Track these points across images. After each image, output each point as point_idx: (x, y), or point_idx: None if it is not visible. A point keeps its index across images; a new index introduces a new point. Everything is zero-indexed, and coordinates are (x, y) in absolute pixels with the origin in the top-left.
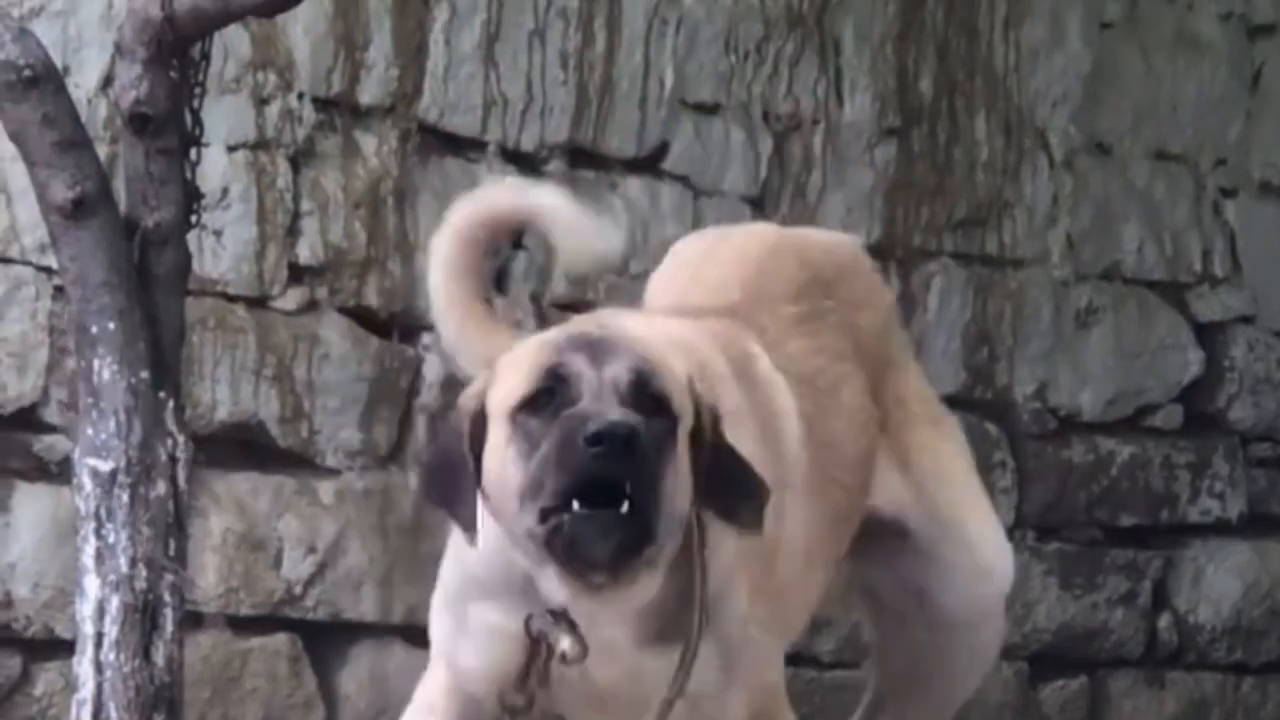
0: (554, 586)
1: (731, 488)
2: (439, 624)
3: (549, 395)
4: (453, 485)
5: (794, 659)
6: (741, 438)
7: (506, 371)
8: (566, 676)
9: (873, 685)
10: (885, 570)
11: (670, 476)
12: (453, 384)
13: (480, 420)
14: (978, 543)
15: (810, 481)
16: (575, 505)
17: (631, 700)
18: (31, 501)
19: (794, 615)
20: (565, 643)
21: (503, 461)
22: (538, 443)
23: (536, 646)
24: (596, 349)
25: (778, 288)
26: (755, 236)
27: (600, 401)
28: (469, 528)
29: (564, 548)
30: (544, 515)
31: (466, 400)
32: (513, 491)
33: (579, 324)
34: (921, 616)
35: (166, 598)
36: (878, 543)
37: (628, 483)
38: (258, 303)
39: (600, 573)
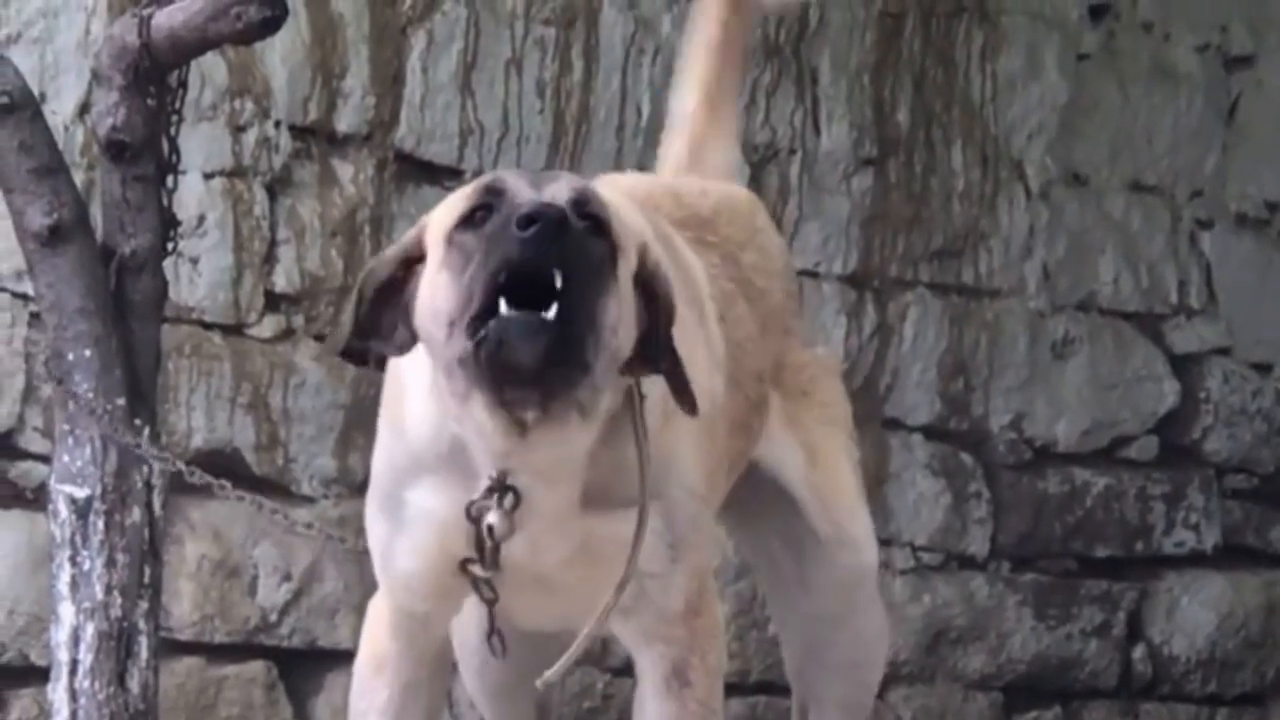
0: (483, 427)
1: (666, 361)
2: (374, 529)
3: (485, 211)
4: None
5: (767, 688)
6: (671, 280)
7: (442, 208)
8: (514, 560)
9: (795, 697)
10: (769, 534)
11: (608, 302)
12: None
13: (412, 263)
14: (843, 518)
15: (726, 371)
16: (503, 308)
17: (579, 582)
18: (6, 528)
19: (717, 497)
20: (493, 516)
21: (435, 285)
22: (470, 256)
23: (480, 534)
24: (537, 175)
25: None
26: (633, 181)
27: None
28: (400, 348)
29: (490, 358)
30: (473, 328)
31: (397, 246)
32: (444, 315)
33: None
34: (800, 585)
35: (141, 625)
36: (763, 506)
37: (558, 274)
38: (234, 330)
39: (529, 399)
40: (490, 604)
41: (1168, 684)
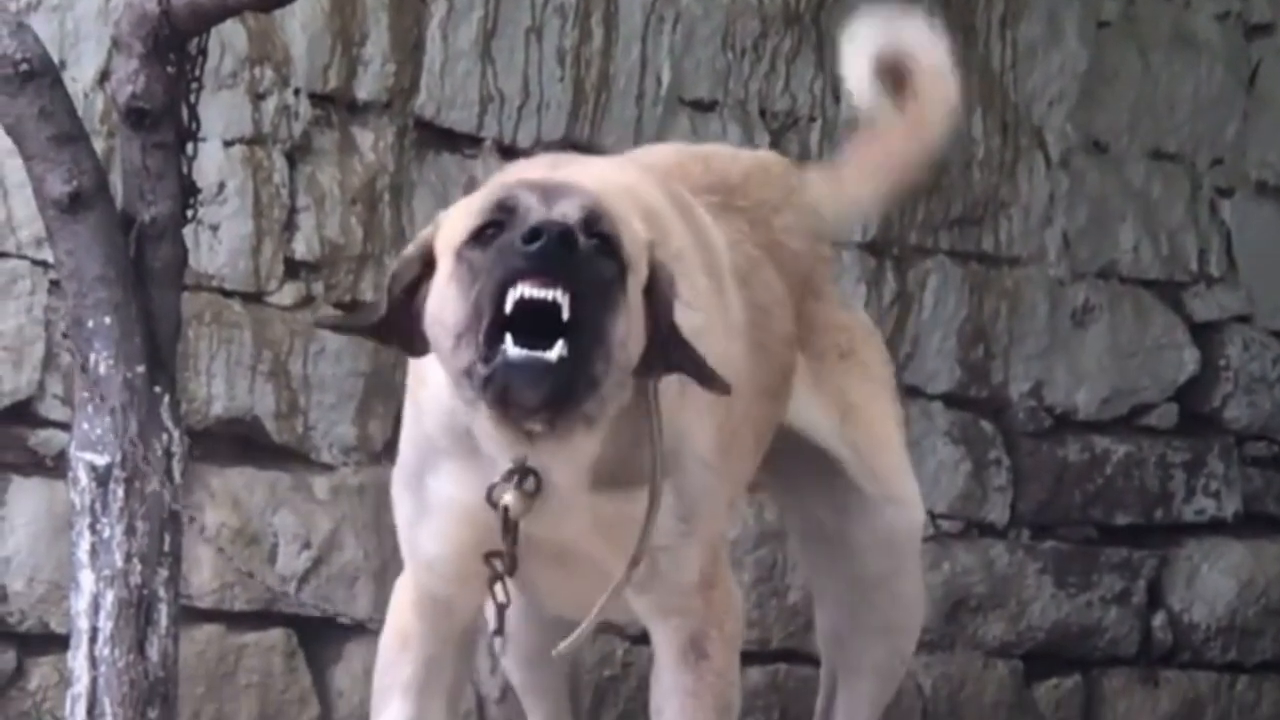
0: (489, 431)
1: (680, 356)
2: (400, 508)
3: (496, 229)
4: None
5: (789, 655)
6: (691, 273)
7: (453, 216)
8: (533, 542)
9: (825, 665)
10: (810, 496)
11: (618, 321)
12: None
13: (426, 265)
14: (889, 475)
15: (748, 338)
16: (509, 346)
17: (595, 560)
18: (27, 496)
19: (740, 472)
20: (509, 496)
21: (444, 298)
22: (479, 273)
23: (505, 520)
24: (548, 189)
25: (686, 185)
26: (664, 151)
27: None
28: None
29: (494, 394)
30: (485, 356)
31: (415, 244)
32: (451, 328)
33: (532, 164)
34: (842, 546)
35: (161, 593)
36: (803, 469)
37: (565, 306)
38: (254, 298)
39: (535, 420)
40: (502, 609)
41: (1188, 651)
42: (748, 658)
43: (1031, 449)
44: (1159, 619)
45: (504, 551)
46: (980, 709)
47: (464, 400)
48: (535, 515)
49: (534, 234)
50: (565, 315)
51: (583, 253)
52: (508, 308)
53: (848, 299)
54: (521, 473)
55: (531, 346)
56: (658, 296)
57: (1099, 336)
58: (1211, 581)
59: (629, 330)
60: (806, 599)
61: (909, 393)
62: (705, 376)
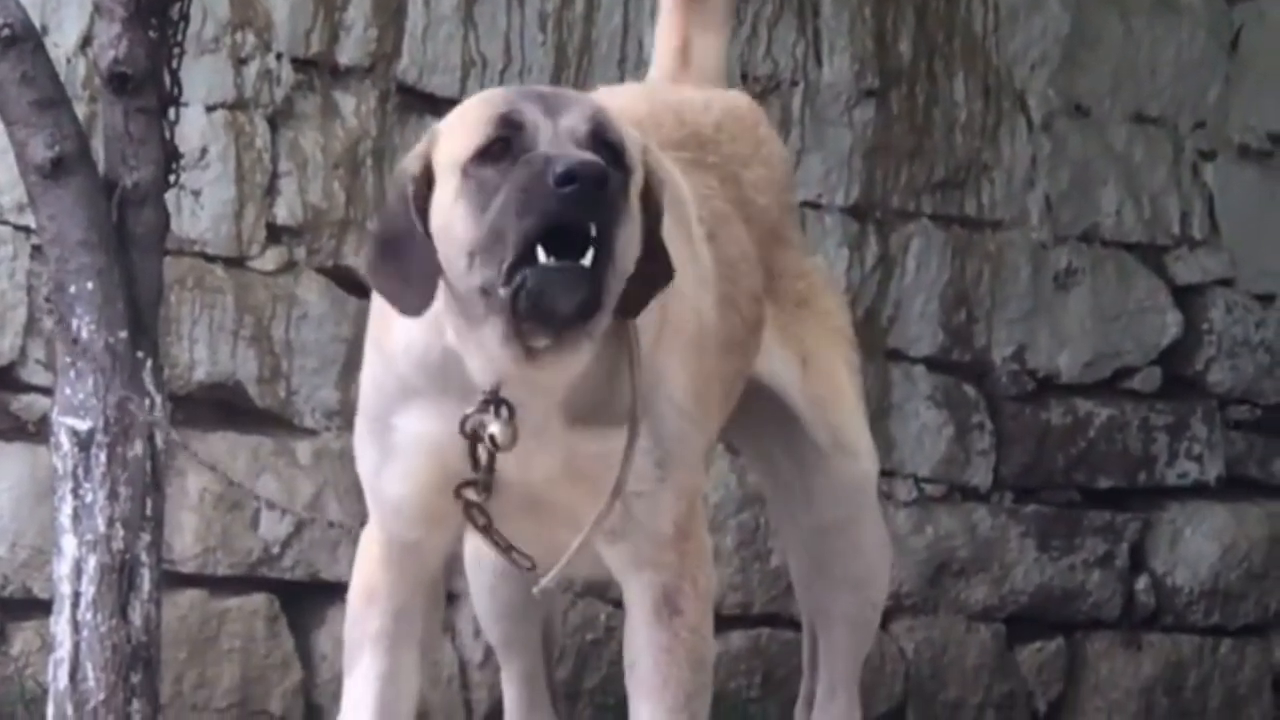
0: (491, 352)
1: (650, 261)
2: (363, 457)
3: (503, 145)
4: (403, 256)
5: (771, 619)
6: (666, 216)
7: (452, 129)
8: (504, 481)
9: (804, 619)
10: (771, 447)
11: (625, 233)
12: None
13: (424, 182)
14: (843, 426)
15: (716, 292)
16: (541, 256)
17: (568, 502)
18: (8, 461)
19: (712, 422)
20: (495, 427)
21: (451, 217)
22: (493, 193)
23: (474, 451)
24: (549, 101)
25: (658, 139)
26: (633, 96)
27: (560, 147)
28: (424, 297)
29: (527, 304)
30: (510, 272)
31: (408, 162)
32: (462, 247)
33: (516, 88)
34: (802, 497)
35: (144, 557)
36: (765, 419)
37: (594, 229)
38: (236, 263)
39: (546, 336)
40: (485, 530)
41: (1171, 615)
42: (730, 622)
43: (1014, 412)
44: (1142, 582)
45: (479, 480)
46: (963, 672)
47: (467, 319)
48: (509, 451)
49: (567, 178)
50: (594, 234)
51: (609, 185)
52: (538, 254)
53: (808, 246)
54: (496, 402)
55: (562, 257)
56: (650, 201)
57: (1081, 300)
58: (1194, 545)
59: (631, 238)
60: (788, 561)
61: (891, 356)
62: (643, 297)
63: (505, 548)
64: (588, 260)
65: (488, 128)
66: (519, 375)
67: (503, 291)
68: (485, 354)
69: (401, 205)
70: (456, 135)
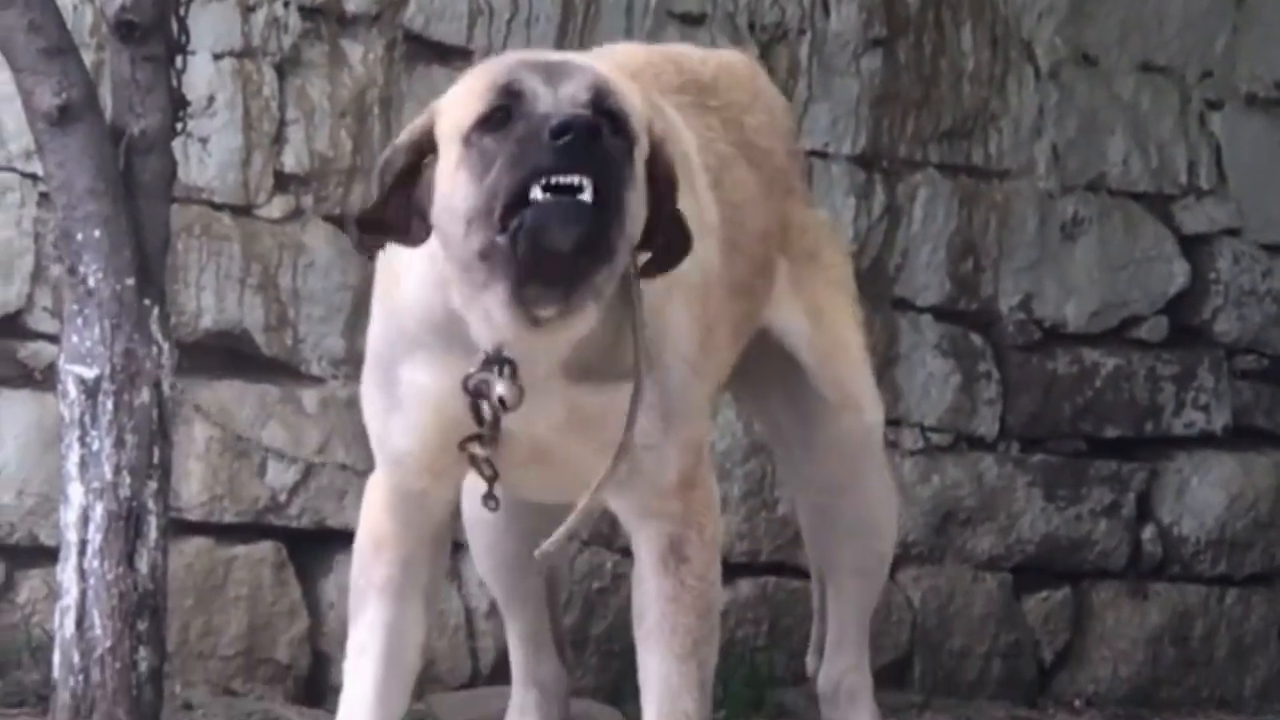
0: (494, 317)
1: (667, 231)
2: (370, 405)
3: (504, 114)
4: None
5: (778, 568)
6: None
7: (454, 101)
8: (509, 434)
9: (813, 569)
10: (780, 400)
11: (630, 195)
12: None
13: (422, 155)
14: (848, 381)
15: (721, 236)
16: (537, 194)
17: (573, 456)
18: (15, 408)
19: (717, 370)
20: (501, 387)
21: (453, 185)
22: (492, 160)
23: (477, 408)
24: (551, 69)
25: (658, 86)
26: (631, 50)
27: (559, 108)
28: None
29: (527, 243)
30: (504, 220)
31: (408, 132)
32: (462, 214)
33: (520, 54)
34: (807, 451)
35: (150, 505)
36: (769, 372)
37: (589, 187)
38: (243, 211)
39: (551, 296)
40: (491, 480)
41: (1177, 565)
42: (738, 570)
43: (1021, 362)
44: (1148, 532)
45: (483, 434)
46: (969, 622)
47: (472, 285)
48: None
49: (561, 130)
50: (588, 197)
51: (603, 140)
52: (533, 195)
53: (812, 198)
54: (499, 362)
55: (560, 192)
56: (658, 169)
57: (1088, 249)
58: (1201, 495)
59: (637, 205)
60: (796, 512)
61: (898, 305)
62: (667, 265)
63: (488, 494)
64: (586, 194)
65: (488, 96)
66: (520, 341)
67: (500, 240)
68: (489, 321)
69: (384, 172)
70: (458, 106)
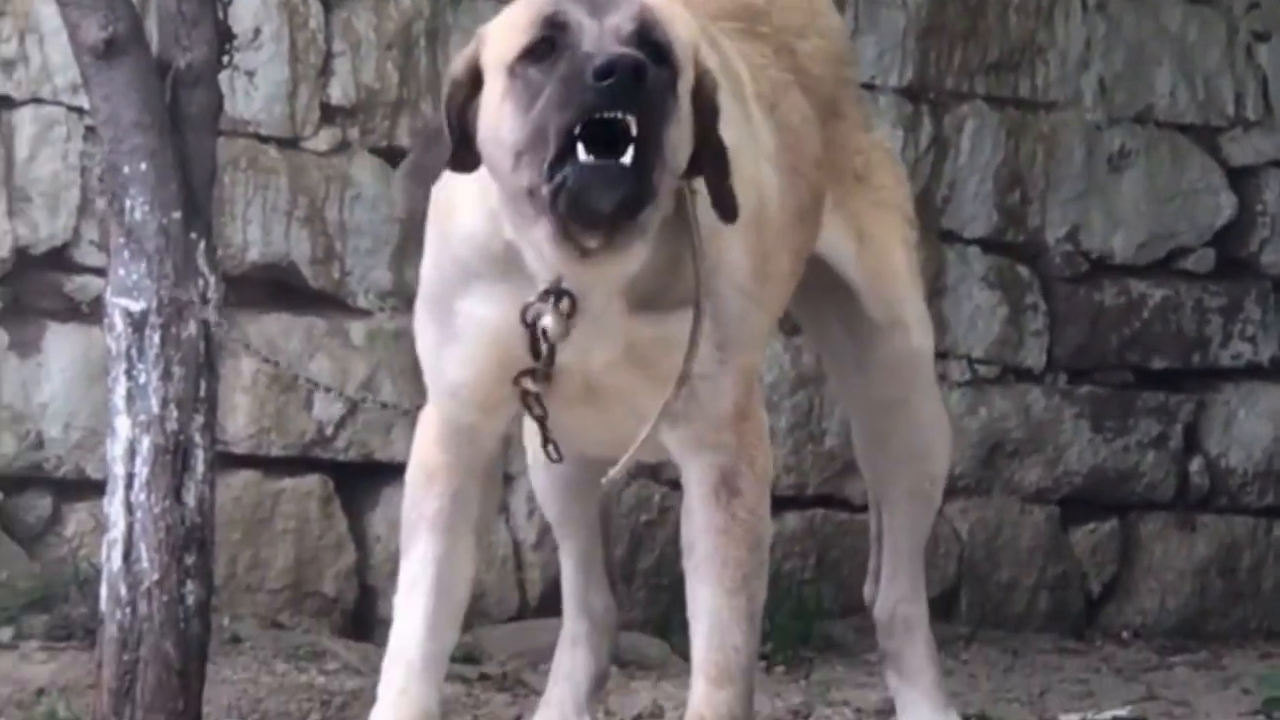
0: (544, 251)
1: (713, 161)
2: (423, 339)
3: (548, 45)
4: (439, 151)
5: (826, 501)
6: (721, 99)
7: (499, 30)
8: (564, 368)
9: (870, 496)
10: (833, 320)
11: (672, 129)
12: None
13: (472, 83)
14: (897, 302)
15: (780, 163)
16: (582, 154)
17: (626, 393)
18: (62, 342)
19: (776, 298)
20: (549, 318)
21: (499, 116)
22: (538, 92)
23: (534, 339)
24: (595, 0)
25: (709, 11)
26: None
27: (604, 45)
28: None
29: (567, 202)
30: (551, 170)
31: (455, 64)
32: (509, 146)
33: None
34: (859, 372)
35: (197, 438)
36: (823, 294)
37: (634, 124)
38: (289, 143)
39: (595, 235)
40: (540, 420)
41: (1224, 496)
42: (785, 503)
43: (1068, 293)
44: (1196, 464)
45: (537, 368)
46: (1017, 554)
47: (520, 218)
48: (568, 340)
49: (605, 71)
50: (634, 131)
51: (648, 78)
52: (578, 133)
53: (869, 120)
54: (557, 294)
55: (602, 155)
56: (703, 101)
57: (1135, 181)
58: (1248, 426)
59: (680, 136)
60: (843, 444)
61: (945, 237)
62: (723, 194)
63: (545, 440)
64: (628, 158)
65: (533, 28)
66: (572, 274)
67: (545, 190)
68: (537, 253)
69: (449, 108)
70: (503, 36)
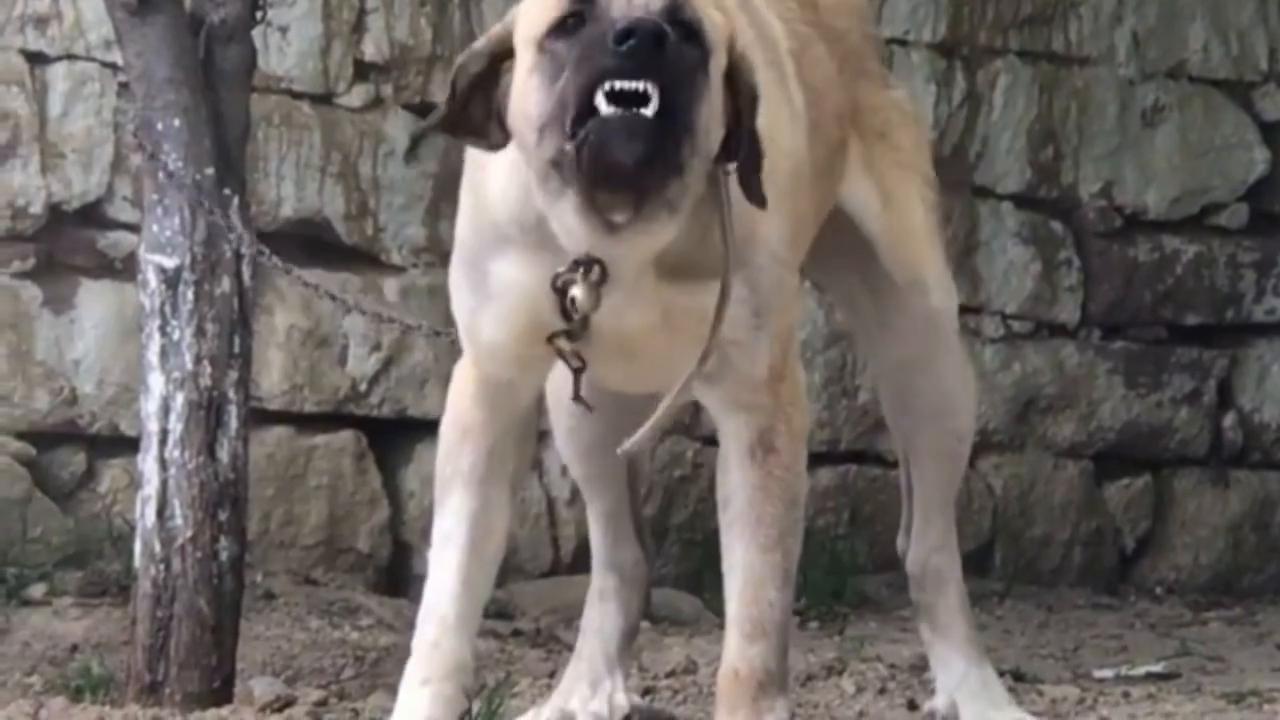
0: (571, 225)
1: (746, 152)
2: (458, 297)
3: (577, 19)
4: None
5: (859, 456)
6: (755, 65)
7: (530, 6)
8: (598, 329)
9: (899, 452)
10: (855, 279)
11: (702, 106)
12: None
13: (497, 60)
14: (917, 262)
15: (806, 120)
16: (603, 107)
17: (662, 352)
18: (96, 298)
19: (802, 255)
20: (577, 290)
21: (525, 90)
22: (563, 66)
23: (564, 306)
24: None
25: None
26: None
27: (630, 13)
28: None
29: (590, 157)
30: (573, 128)
31: (486, 39)
32: (534, 119)
33: None
34: (882, 331)
35: (231, 394)
36: (845, 253)
37: (655, 93)
38: (323, 99)
39: (623, 204)
40: (578, 372)
41: (1258, 452)
42: (818, 459)
43: (1101, 249)
44: (1229, 419)
45: (570, 330)
46: (1050, 509)
47: (547, 192)
48: (601, 307)
49: (625, 34)
50: (655, 105)
51: (670, 47)
52: (598, 100)
53: (888, 79)
54: (587, 264)
55: (626, 106)
56: (739, 85)
57: (1169, 136)
58: None
59: (711, 116)
60: (875, 400)
61: (978, 193)
62: (753, 183)
63: (576, 395)
64: (650, 110)
65: (562, 3)
66: (600, 248)
67: (568, 148)
68: (565, 227)
69: (457, 76)
70: (534, 13)
